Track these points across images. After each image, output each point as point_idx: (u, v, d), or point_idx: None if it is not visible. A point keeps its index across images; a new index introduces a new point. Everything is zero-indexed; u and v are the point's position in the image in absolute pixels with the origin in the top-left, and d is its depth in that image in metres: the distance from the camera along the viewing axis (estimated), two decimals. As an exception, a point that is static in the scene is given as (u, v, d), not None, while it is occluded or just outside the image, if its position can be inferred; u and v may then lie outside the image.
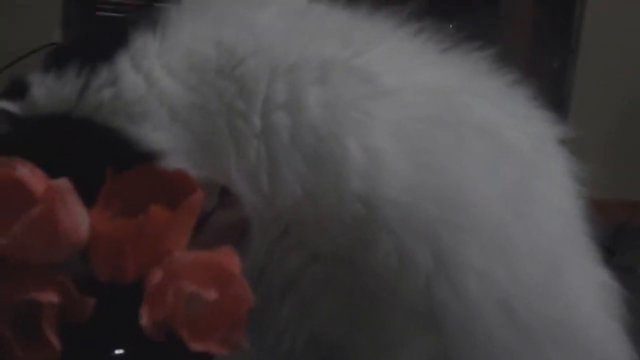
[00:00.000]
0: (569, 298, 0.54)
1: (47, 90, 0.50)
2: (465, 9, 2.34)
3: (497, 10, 2.47)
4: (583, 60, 2.47)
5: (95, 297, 0.43)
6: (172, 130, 0.50)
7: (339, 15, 0.57)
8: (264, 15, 0.55)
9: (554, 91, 2.42)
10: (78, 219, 0.43)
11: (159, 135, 0.49)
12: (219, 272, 0.43)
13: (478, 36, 0.58)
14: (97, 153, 0.48)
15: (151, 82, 0.50)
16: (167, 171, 0.46)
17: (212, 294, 0.42)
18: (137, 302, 0.43)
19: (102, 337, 0.47)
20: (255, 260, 0.51)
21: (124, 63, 0.50)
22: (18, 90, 0.50)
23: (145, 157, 0.47)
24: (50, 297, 0.42)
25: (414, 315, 0.50)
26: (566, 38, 2.52)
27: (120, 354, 0.48)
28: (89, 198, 0.43)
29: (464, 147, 0.52)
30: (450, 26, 0.59)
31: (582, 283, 0.56)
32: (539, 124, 0.57)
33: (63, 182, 0.43)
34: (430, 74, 0.55)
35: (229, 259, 0.43)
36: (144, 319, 0.41)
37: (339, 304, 0.52)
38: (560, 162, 0.57)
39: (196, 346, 0.42)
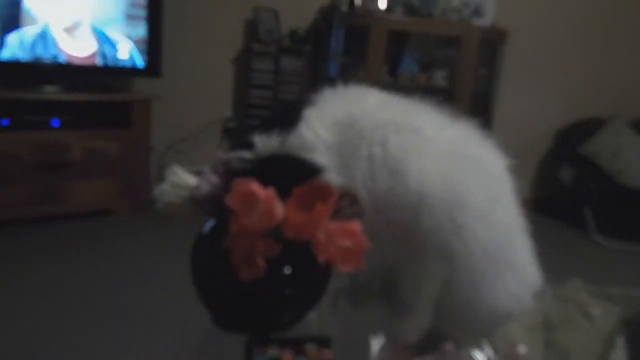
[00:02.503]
0: (516, 242, 1.00)
1: (263, 143, 0.93)
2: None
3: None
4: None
5: (281, 246, 0.88)
6: (328, 156, 0.91)
7: (403, 101, 1.01)
8: (368, 99, 0.98)
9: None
10: (278, 209, 0.88)
11: (321, 158, 0.90)
12: (351, 232, 0.87)
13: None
14: (291, 169, 0.91)
15: (316, 133, 0.91)
16: (320, 185, 0.89)
17: (349, 243, 0.86)
18: (303, 249, 0.88)
19: (283, 266, 0.90)
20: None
21: (301, 124, 0.92)
22: (248, 145, 0.95)
23: (316, 169, 0.90)
24: (262, 244, 0.87)
25: (439, 253, 0.93)
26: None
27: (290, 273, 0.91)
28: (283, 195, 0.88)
29: (467, 168, 0.95)
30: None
31: (522, 237, 1.00)
32: (499, 156, 1.00)
33: (271, 190, 0.89)
34: (448, 131, 0.97)
35: (356, 225, 0.87)
36: (320, 258, 0.86)
37: (400, 246, 0.95)
38: (508, 174, 1.00)
39: (344, 268, 0.86)
